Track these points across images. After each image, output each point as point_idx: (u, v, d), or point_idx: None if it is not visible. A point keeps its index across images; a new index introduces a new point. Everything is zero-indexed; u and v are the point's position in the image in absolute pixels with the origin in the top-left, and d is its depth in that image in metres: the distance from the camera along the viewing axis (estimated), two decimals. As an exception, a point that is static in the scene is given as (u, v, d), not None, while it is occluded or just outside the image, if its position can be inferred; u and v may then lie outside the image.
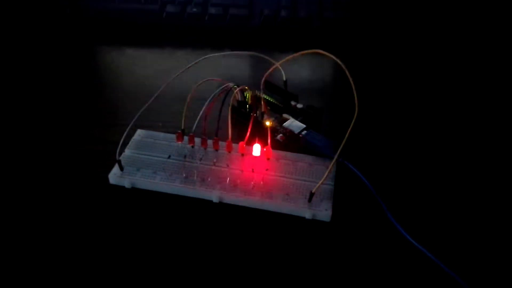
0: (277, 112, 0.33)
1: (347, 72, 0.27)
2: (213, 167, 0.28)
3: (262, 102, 0.30)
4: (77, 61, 0.39)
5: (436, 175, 0.29)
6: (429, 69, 0.39)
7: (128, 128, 0.27)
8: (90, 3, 0.42)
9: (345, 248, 0.25)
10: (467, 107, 0.35)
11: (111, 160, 0.28)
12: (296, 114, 0.32)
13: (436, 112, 0.34)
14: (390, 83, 0.37)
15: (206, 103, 0.28)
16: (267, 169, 0.28)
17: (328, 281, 0.24)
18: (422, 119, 0.34)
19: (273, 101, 0.33)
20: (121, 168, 0.28)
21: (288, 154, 0.29)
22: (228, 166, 0.28)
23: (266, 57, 0.30)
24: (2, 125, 0.33)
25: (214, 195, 0.27)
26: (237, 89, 0.29)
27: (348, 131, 0.26)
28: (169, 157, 0.28)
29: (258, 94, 0.31)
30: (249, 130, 0.28)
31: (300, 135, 0.30)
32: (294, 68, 0.38)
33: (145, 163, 0.28)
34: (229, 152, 0.29)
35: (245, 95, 0.32)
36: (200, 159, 0.28)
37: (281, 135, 0.31)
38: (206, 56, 0.29)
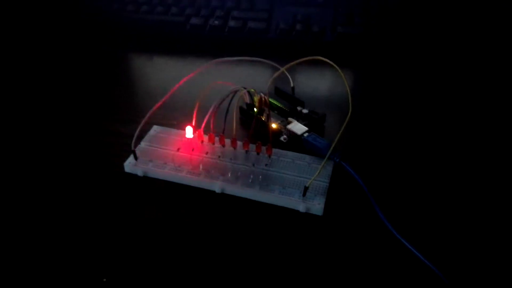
0: (283, 116, 0.35)
1: (343, 76, 0.29)
2: (218, 161, 0.30)
3: (267, 106, 0.33)
4: (111, 66, 0.43)
5: (428, 179, 0.31)
6: (428, 79, 0.40)
7: (142, 123, 0.30)
8: (126, 15, 0.46)
9: (335, 241, 0.27)
10: (460, 112, 0.36)
11: (128, 151, 0.31)
12: (302, 119, 0.35)
13: (434, 118, 0.36)
14: (393, 95, 0.39)
15: (215, 103, 0.31)
16: (266, 164, 0.30)
17: (317, 271, 0.25)
18: (419, 125, 0.35)
19: (280, 106, 0.36)
20: (136, 158, 0.31)
21: (290, 153, 0.32)
22: (231, 160, 0.30)
23: (272, 63, 0.33)
24: (42, 119, 0.36)
25: (216, 186, 0.29)
26: (243, 91, 0.31)
27: (340, 131, 0.28)
28: (178, 149, 0.31)
29: (264, 97, 0.33)
30: (252, 128, 0.30)
31: (302, 137, 0.32)
32: (303, 77, 0.41)
33: (157, 154, 0.31)
34: (234, 148, 0.31)
35: (254, 98, 0.35)
36: (206, 153, 0.31)
37: (285, 136, 0.33)
38: (216, 60, 0.32)
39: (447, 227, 0.27)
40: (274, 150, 0.31)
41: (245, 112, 0.35)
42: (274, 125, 0.34)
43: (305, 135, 0.32)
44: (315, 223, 0.28)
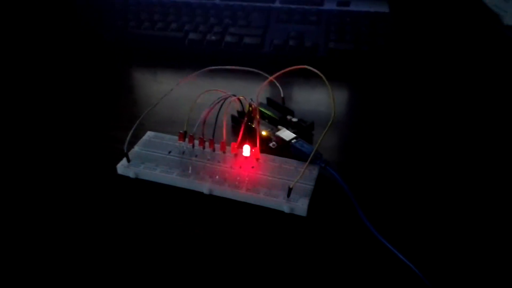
0: (274, 124, 0.36)
1: (328, 84, 0.30)
2: (207, 164, 0.32)
3: (256, 112, 0.34)
4: (114, 78, 0.45)
5: (412, 184, 0.31)
6: (413, 92, 0.41)
7: (134, 127, 0.31)
8: (125, 30, 0.49)
9: (318, 241, 0.28)
10: (445, 122, 0.37)
11: (122, 155, 0.32)
12: (291, 127, 0.36)
13: (417, 127, 0.37)
14: (380, 106, 0.40)
15: (206, 110, 0.32)
16: (253, 167, 0.31)
17: (299, 270, 0.26)
18: (404, 134, 0.36)
19: (271, 115, 0.37)
20: (128, 160, 0.32)
21: (277, 158, 0.33)
22: (219, 163, 0.31)
23: (261, 72, 0.34)
24: (46, 123, 0.38)
25: (204, 187, 0.30)
26: (233, 98, 0.33)
27: (323, 134, 0.30)
28: (169, 152, 0.32)
29: (253, 104, 0.34)
30: (240, 133, 0.32)
31: (290, 143, 0.34)
32: (295, 89, 0.42)
33: (149, 157, 0.32)
34: (223, 152, 0.32)
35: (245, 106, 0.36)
36: (196, 156, 0.32)
37: (273, 142, 0.35)
38: (209, 68, 0.34)
39: (429, 229, 0.28)
40: (263, 155, 0.33)
41: (237, 120, 0.36)
42: (264, 133, 0.35)
43: (293, 141, 0.34)
44: (299, 223, 0.29)
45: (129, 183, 0.32)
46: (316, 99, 0.41)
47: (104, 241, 0.28)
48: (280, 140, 0.34)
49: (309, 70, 0.32)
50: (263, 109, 0.37)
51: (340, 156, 0.35)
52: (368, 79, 0.44)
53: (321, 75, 0.31)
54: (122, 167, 0.32)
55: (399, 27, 0.48)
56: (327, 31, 0.47)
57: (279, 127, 0.36)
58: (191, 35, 0.47)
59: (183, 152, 0.32)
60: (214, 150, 0.33)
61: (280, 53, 0.45)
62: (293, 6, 0.50)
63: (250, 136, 0.33)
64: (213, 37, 0.46)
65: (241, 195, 0.30)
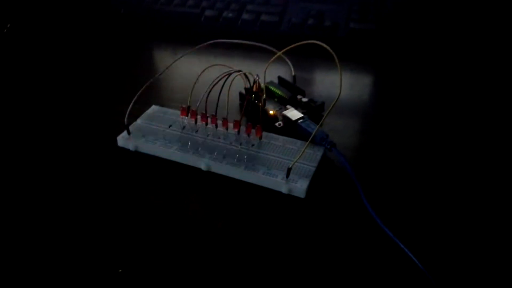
0: (283, 104, 0.35)
1: (337, 62, 0.28)
2: (207, 140, 0.31)
3: (261, 89, 0.33)
4: (128, 54, 0.45)
5: (421, 175, 0.29)
6: (434, 79, 0.39)
7: (134, 99, 0.30)
8: (141, 6, 0.48)
9: (315, 224, 0.26)
10: (461, 112, 0.34)
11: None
12: (301, 107, 0.34)
13: (435, 116, 0.34)
14: (397, 92, 0.38)
15: (209, 85, 0.31)
16: (253, 145, 0.30)
17: (294, 253, 0.25)
18: (420, 122, 0.34)
19: (280, 94, 0.35)
20: (129, 132, 0.31)
21: (281, 137, 0.31)
22: (219, 139, 0.30)
23: (269, 47, 0.33)
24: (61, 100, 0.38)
25: (203, 163, 0.29)
26: (238, 74, 0.31)
27: (327, 112, 0.28)
28: (169, 126, 0.32)
29: (258, 80, 0.33)
30: (243, 109, 0.30)
31: (297, 123, 0.32)
32: (309, 69, 0.40)
33: (150, 131, 0.32)
34: (226, 128, 0.31)
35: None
36: (196, 132, 0.31)
37: (280, 122, 0.33)
38: (214, 41, 0.33)
39: (435, 223, 0.26)
40: (267, 134, 0.31)
41: (244, 97, 0.35)
42: (271, 112, 0.34)
43: (300, 121, 0.32)
44: (297, 205, 0.27)
45: (128, 155, 0.31)
46: (332, 80, 0.39)
47: (97, 213, 0.27)
48: (287, 119, 0.33)
49: (327, 50, 0.30)
50: (273, 88, 0.36)
51: (350, 140, 0.33)
52: (389, 62, 0.41)
53: (331, 51, 0.29)
54: (122, 139, 0.31)
55: (426, 8, 0.45)
56: (349, 10, 0.45)
57: (288, 106, 0.34)
58: (208, 12, 0.46)
59: (184, 127, 0.31)
60: (216, 126, 0.32)
61: (298, 32, 0.43)
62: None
63: (255, 113, 0.32)
64: (230, 14, 0.45)
65: (239, 173, 0.29)
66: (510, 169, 0.29)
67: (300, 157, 0.28)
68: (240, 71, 0.32)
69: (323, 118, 0.29)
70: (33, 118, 0.36)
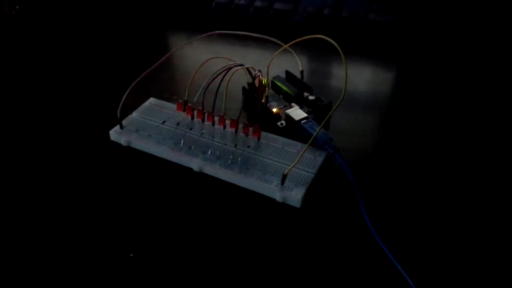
0: (288, 101, 0.32)
1: (343, 59, 0.26)
2: (201, 138, 0.29)
3: (262, 85, 0.30)
4: (135, 42, 0.43)
5: (426, 186, 0.27)
6: (451, 80, 0.35)
7: (127, 91, 0.29)
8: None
9: (309, 237, 0.24)
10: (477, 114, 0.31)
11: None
12: (307, 105, 0.32)
13: (452, 120, 0.31)
14: (413, 91, 0.35)
15: (208, 79, 0.29)
16: (249, 146, 0.28)
17: (282, 263, 0.23)
18: (433, 127, 0.31)
19: (286, 90, 0.33)
20: (121, 126, 0.30)
21: (282, 139, 0.29)
22: (214, 138, 0.28)
23: (275, 40, 0.30)
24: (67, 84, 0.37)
25: (194, 164, 0.27)
26: (239, 68, 0.29)
27: (329, 114, 0.26)
28: (163, 122, 0.30)
29: (259, 75, 0.30)
30: (241, 106, 0.28)
31: (300, 124, 0.30)
32: (320, 64, 0.38)
33: (144, 126, 0.30)
34: (223, 127, 0.29)
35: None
36: (191, 129, 0.29)
37: (282, 121, 0.31)
38: (214, 32, 0.31)
39: (439, 246, 0.24)
40: (266, 134, 0.29)
41: (246, 92, 0.33)
42: (274, 109, 0.32)
43: (303, 121, 0.30)
44: (291, 215, 0.25)
45: (121, 150, 0.30)
46: (343, 77, 0.36)
47: (81, 209, 0.26)
48: (289, 118, 0.30)
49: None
50: (279, 83, 0.34)
51: (357, 145, 0.30)
52: (409, 58, 0.38)
53: (339, 48, 0.26)
54: (114, 133, 0.30)
55: (450, 1, 0.41)
56: (369, 0, 0.41)
57: (292, 104, 0.32)
58: (219, -2, 0.44)
59: (178, 124, 0.29)
60: (213, 124, 0.30)
61: (313, 22, 0.41)
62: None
63: (255, 111, 0.30)
64: (242, 1, 0.43)
65: (232, 176, 0.27)
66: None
67: (297, 162, 0.26)
68: (242, 65, 0.30)
69: (325, 118, 0.27)
70: (25, 106, 0.35)
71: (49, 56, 0.41)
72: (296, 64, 0.33)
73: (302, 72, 0.34)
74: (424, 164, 0.28)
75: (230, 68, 0.29)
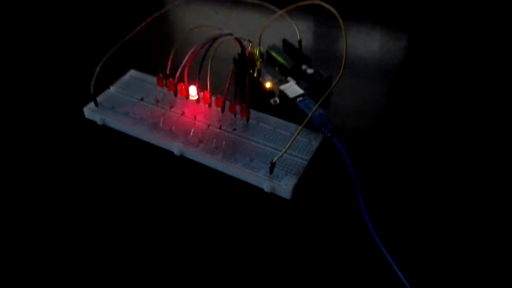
0: (284, 74, 0.29)
1: (343, 29, 0.22)
2: (182, 117, 0.26)
3: (252, 57, 0.27)
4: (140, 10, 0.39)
5: (428, 183, 0.24)
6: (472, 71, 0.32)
7: (102, 62, 0.25)
8: None
9: (301, 231, 0.21)
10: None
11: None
12: (305, 80, 0.28)
13: (457, 114, 0.28)
14: (423, 68, 0.31)
15: (191, 50, 0.25)
16: (235, 129, 0.25)
17: (267, 258, 0.20)
18: (439, 120, 0.28)
19: (282, 62, 0.30)
20: (96, 104, 0.27)
21: (273, 119, 0.26)
22: (196, 118, 0.25)
23: (270, 6, 0.27)
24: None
25: (175, 147, 0.25)
26: (225, 38, 0.25)
27: (327, 92, 0.22)
28: (142, 99, 0.27)
29: (249, 47, 0.27)
30: (228, 83, 0.25)
31: (295, 101, 0.27)
32: (317, 33, 0.34)
33: (122, 102, 0.27)
34: (208, 105, 0.26)
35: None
36: (171, 107, 0.26)
37: (275, 98, 0.28)
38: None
39: (437, 243, 0.21)
40: (257, 114, 0.26)
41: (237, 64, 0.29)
42: (268, 84, 0.28)
43: (298, 99, 0.26)
44: (280, 207, 0.23)
45: (96, 130, 0.27)
46: (352, 48, 0.33)
47: (53, 192, 0.24)
48: (283, 95, 0.27)
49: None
50: (274, 54, 0.30)
51: (359, 127, 0.27)
52: (424, 29, 0.34)
53: (339, 17, 0.22)
54: (89, 111, 0.27)
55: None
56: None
57: (288, 79, 0.28)
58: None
59: (157, 101, 0.26)
60: (198, 101, 0.26)
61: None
62: None
63: (244, 88, 0.26)
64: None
65: (215, 162, 0.24)
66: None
67: (289, 147, 0.22)
68: (231, 34, 0.26)
69: (324, 96, 0.24)
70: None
71: (17, 21, 0.37)
72: (294, 33, 0.29)
73: (300, 41, 0.30)
74: (433, 153, 0.25)
75: (216, 38, 0.26)
